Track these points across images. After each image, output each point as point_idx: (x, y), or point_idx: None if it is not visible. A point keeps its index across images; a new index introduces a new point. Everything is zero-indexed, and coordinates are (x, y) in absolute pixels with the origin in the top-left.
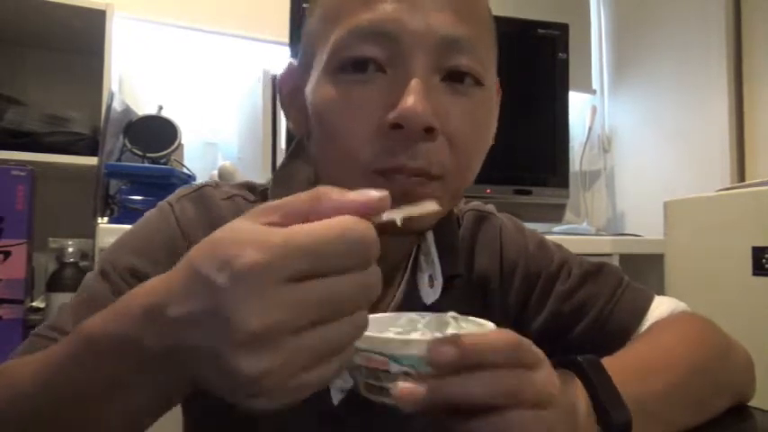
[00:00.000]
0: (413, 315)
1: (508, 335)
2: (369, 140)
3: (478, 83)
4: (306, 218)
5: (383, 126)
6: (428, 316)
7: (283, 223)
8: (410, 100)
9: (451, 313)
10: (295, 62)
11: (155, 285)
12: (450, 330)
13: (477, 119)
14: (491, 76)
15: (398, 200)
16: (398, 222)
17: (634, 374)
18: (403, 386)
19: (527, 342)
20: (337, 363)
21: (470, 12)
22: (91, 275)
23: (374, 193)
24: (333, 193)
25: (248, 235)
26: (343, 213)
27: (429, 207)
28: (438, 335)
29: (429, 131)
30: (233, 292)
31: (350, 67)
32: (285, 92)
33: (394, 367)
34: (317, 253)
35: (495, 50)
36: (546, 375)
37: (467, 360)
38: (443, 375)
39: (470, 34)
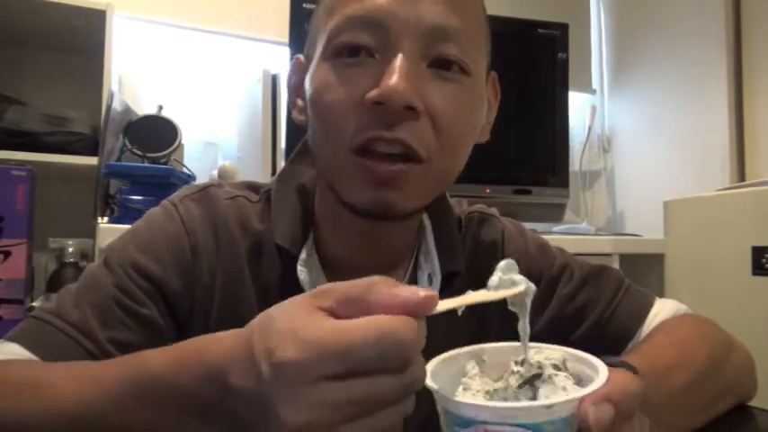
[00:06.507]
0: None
1: (630, 378)
2: (351, 116)
3: (465, 72)
4: (355, 306)
5: (366, 103)
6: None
7: (335, 309)
8: (391, 79)
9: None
10: (302, 57)
11: (222, 346)
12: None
13: (463, 104)
14: (480, 67)
15: (375, 185)
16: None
17: (655, 378)
18: None
19: None
20: None
21: (460, 3)
22: (94, 265)
23: (420, 293)
24: (383, 286)
25: (294, 325)
26: (388, 310)
27: (492, 295)
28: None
29: (410, 110)
30: (272, 384)
31: (343, 52)
32: (292, 84)
33: None
34: (352, 356)
35: (486, 44)
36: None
37: (620, 416)
38: None
39: (458, 24)
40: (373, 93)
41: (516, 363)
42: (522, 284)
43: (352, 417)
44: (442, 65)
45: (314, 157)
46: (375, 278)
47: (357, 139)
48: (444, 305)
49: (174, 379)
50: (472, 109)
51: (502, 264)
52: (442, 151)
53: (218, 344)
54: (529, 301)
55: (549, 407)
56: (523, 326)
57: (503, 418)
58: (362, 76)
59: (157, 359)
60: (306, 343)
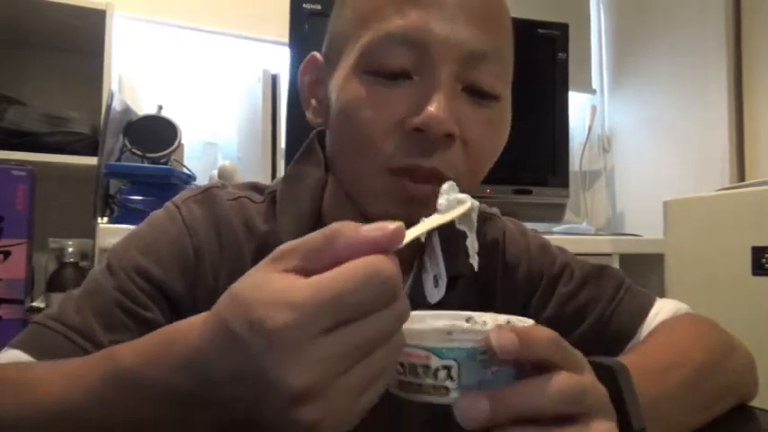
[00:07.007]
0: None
1: (553, 332)
2: (389, 138)
3: (496, 98)
4: (324, 257)
5: (406, 128)
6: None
7: (304, 267)
8: (435, 108)
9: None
10: (318, 55)
11: (191, 337)
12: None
13: (493, 128)
14: (508, 86)
15: (406, 202)
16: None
17: (651, 377)
18: (465, 402)
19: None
20: (384, 381)
21: (497, 25)
22: (97, 269)
23: (389, 228)
24: (347, 230)
25: (274, 292)
26: (359, 251)
27: (448, 214)
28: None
29: (448, 137)
30: (270, 354)
31: (380, 71)
32: (305, 82)
33: (435, 361)
34: (344, 305)
35: (512, 59)
36: (594, 379)
37: (525, 351)
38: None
39: (495, 48)
40: (416, 121)
41: (465, 320)
42: (468, 201)
43: (351, 364)
44: (475, 92)
45: (321, 159)
46: (335, 225)
47: (392, 163)
48: (409, 236)
49: (147, 372)
50: (500, 131)
51: (445, 186)
52: (470, 172)
53: (186, 334)
54: (475, 216)
55: (449, 332)
56: (471, 241)
57: (410, 339)
58: (400, 98)
59: (127, 354)
60: (294, 305)
